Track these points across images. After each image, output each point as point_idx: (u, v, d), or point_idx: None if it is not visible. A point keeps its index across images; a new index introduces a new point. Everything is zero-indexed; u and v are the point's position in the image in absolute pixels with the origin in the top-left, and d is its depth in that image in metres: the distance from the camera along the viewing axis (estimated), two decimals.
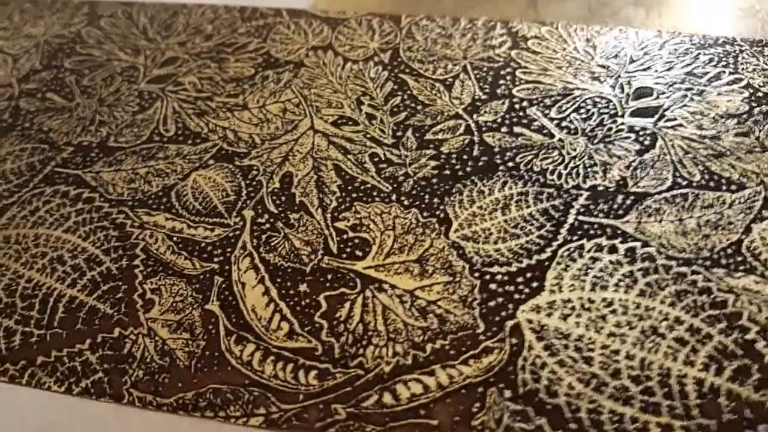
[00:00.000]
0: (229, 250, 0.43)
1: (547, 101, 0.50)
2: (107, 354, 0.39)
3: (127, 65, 0.54)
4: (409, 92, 0.51)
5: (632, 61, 0.53)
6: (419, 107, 0.51)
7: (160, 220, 0.45)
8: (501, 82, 0.52)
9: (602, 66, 0.53)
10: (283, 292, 0.41)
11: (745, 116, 0.49)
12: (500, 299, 0.41)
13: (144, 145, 0.49)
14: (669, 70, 0.52)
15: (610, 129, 0.48)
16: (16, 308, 0.42)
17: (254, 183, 0.46)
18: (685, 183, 0.45)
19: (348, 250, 0.43)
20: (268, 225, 0.44)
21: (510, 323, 0.40)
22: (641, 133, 0.48)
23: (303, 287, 0.42)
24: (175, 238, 0.44)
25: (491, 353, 0.39)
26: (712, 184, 0.45)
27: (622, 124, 0.49)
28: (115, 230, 0.44)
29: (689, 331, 0.39)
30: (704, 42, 0.54)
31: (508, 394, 0.37)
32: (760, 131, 0.49)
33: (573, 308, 0.40)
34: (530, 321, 0.40)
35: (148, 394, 0.38)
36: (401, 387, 0.38)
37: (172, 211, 0.45)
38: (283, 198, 0.46)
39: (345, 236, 0.44)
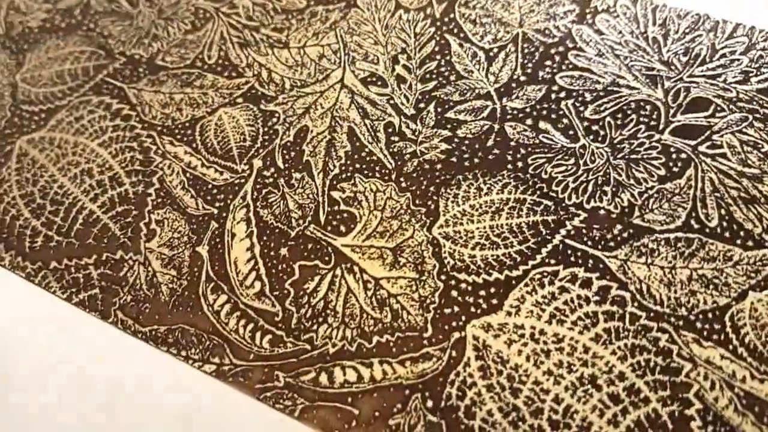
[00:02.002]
0: (230, 197, 0.45)
1: (588, 96, 0.45)
2: (106, 273, 0.44)
3: None
4: (448, 57, 0.48)
5: (704, 62, 0.45)
6: (452, 77, 0.47)
7: (180, 152, 0.47)
8: (547, 63, 0.46)
9: (665, 63, 0.46)
10: (265, 251, 0.43)
11: None
12: (456, 308, 0.40)
13: (186, 70, 0.50)
14: (742, 82, 0.45)
15: (641, 144, 0.43)
16: (45, 210, 0.47)
17: (271, 132, 0.47)
18: (697, 226, 0.41)
19: (334, 222, 0.44)
20: (271, 180, 0.45)
21: (456, 335, 0.40)
22: (674, 156, 0.43)
23: (284, 251, 0.43)
24: (188, 174, 0.46)
25: (429, 360, 0.40)
26: (727, 234, 0.40)
27: (658, 140, 0.43)
28: (140, 154, 0.47)
29: (627, 390, 0.38)
30: None
31: (430, 404, 0.39)
32: None
33: (522, 335, 0.39)
34: (476, 338, 0.40)
35: (129, 319, 0.42)
36: (338, 371, 0.40)
37: (193, 145, 0.47)
38: (292, 153, 0.46)
39: (336, 208, 0.44)
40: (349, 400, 0.39)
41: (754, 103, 0.44)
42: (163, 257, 0.44)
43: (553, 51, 0.47)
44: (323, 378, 0.40)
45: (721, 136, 0.43)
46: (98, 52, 0.51)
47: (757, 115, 0.44)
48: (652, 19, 0.47)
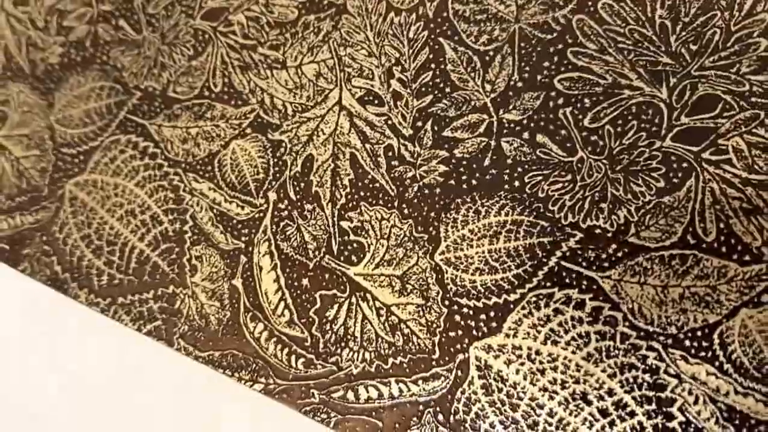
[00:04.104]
0: (253, 231, 0.52)
1: (587, 101, 0.46)
2: (164, 306, 0.54)
3: None
4: (443, 66, 0.49)
5: (716, 50, 0.44)
6: (447, 89, 0.49)
7: (204, 188, 0.54)
8: (545, 64, 0.47)
9: (673, 54, 0.45)
10: (289, 282, 0.51)
11: None
12: (459, 332, 0.47)
13: (196, 101, 0.54)
14: (757, 71, 0.43)
15: (641, 154, 0.45)
16: (104, 251, 0.56)
17: (280, 162, 0.52)
18: (693, 242, 0.44)
19: (346, 253, 0.50)
20: (286, 212, 0.52)
21: (461, 357, 0.47)
22: (675, 165, 0.44)
23: (305, 281, 0.51)
24: (215, 210, 0.53)
25: (438, 379, 0.48)
26: (724, 249, 0.43)
27: (659, 148, 0.44)
28: (171, 192, 0.54)
29: (616, 404, 0.44)
30: None
31: (440, 417, 0.47)
32: None
33: (519, 356, 0.46)
34: (478, 359, 0.47)
35: (190, 346, 0.53)
36: (362, 389, 0.49)
37: (214, 181, 0.53)
38: (302, 185, 0.51)
39: (346, 238, 0.50)
40: (374, 413, 0.49)
41: None
42: (206, 290, 0.53)
43: (551, 49, 0.47)
44: (350, 395, 0.50)
45: (728, 139, 0.44)
46: (116, 86, 0.57)
47: None
48: (661, 1, 0.46)
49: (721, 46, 0.45)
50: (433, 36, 0.50)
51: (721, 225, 0.44)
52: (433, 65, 0.50)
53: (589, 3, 0.47)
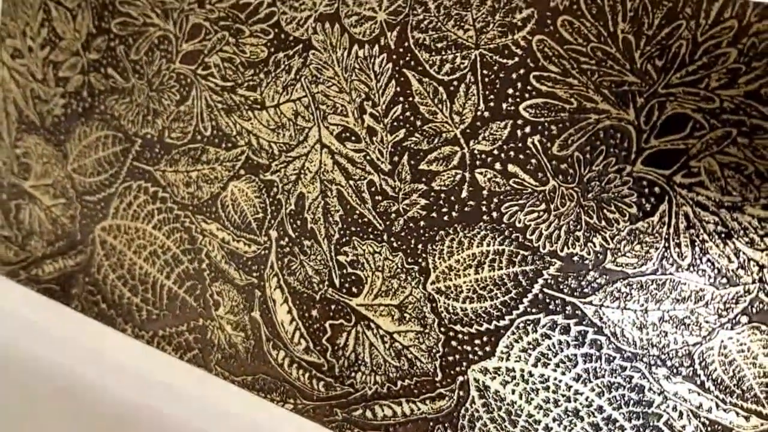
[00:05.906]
0: (262, 267, 0.60)
1: (554, 129, 0.48)
2: (198, 337, 0.64)
3: (161, 34, 0.60)
4: (411, 99, 0.52)
5: (683, 64, 0.44)
6: (418, 123, 0.52)
7: (213, 229, 0.61)
8: (509, 91, 0.49)
9: (637, 72, 0.46)
10: (301, 313, 0.59)
11: None
12: (457, 356, 0.54)
13: (191, 145, 0.61)
14: (727, 85, 0.44)
15: (611, 180, 0.47)
16: (138, 290, 0.66)
17: (275, 201, 0.58)
18: (670, 268, 0.47)
19: (347, 285, 0.57)
20: (288, 249, 0.59)
21: (461, 378, 0.54)
22: (647, 190, 0.47)
23: (314, 312, 0.59)
24: (225, 249, 0.61)
25: (443, 399, 0.55)
26: (699, 273, 0.46)
27: (630, 173, 0.47)
28: (185, 233, 0.63)
29: (606, 420, 0.51)
30: None
31: None
32: None
33: (513, 377, 0.53)
34: (477, 380, 0.54)
35: (226, 371, 0.63)
36: (378, 408, 0.58)
37: (221, 221, 0.61)
38: (298, 222, 0.58)
39: (345, 271, 0.57)
40: (391, 429, 0.58)
41: (741, 112, 0.44)
42: (231, 323, 0.63)
43: (514, 75, 0.50)
44: (368, 413, 0.59)
45: (699, 160, 0.46)
46: (117, 135, 0.64)
47: (743, 129, 0.45)
48: (622, 13, 0.46)
49: (688, 59, 0.46)
50: (397, 68, 0.54)
51: (697, 249, 0.47)
52: (401, 98, 0.54)
53: (549, 21, 0.49)
